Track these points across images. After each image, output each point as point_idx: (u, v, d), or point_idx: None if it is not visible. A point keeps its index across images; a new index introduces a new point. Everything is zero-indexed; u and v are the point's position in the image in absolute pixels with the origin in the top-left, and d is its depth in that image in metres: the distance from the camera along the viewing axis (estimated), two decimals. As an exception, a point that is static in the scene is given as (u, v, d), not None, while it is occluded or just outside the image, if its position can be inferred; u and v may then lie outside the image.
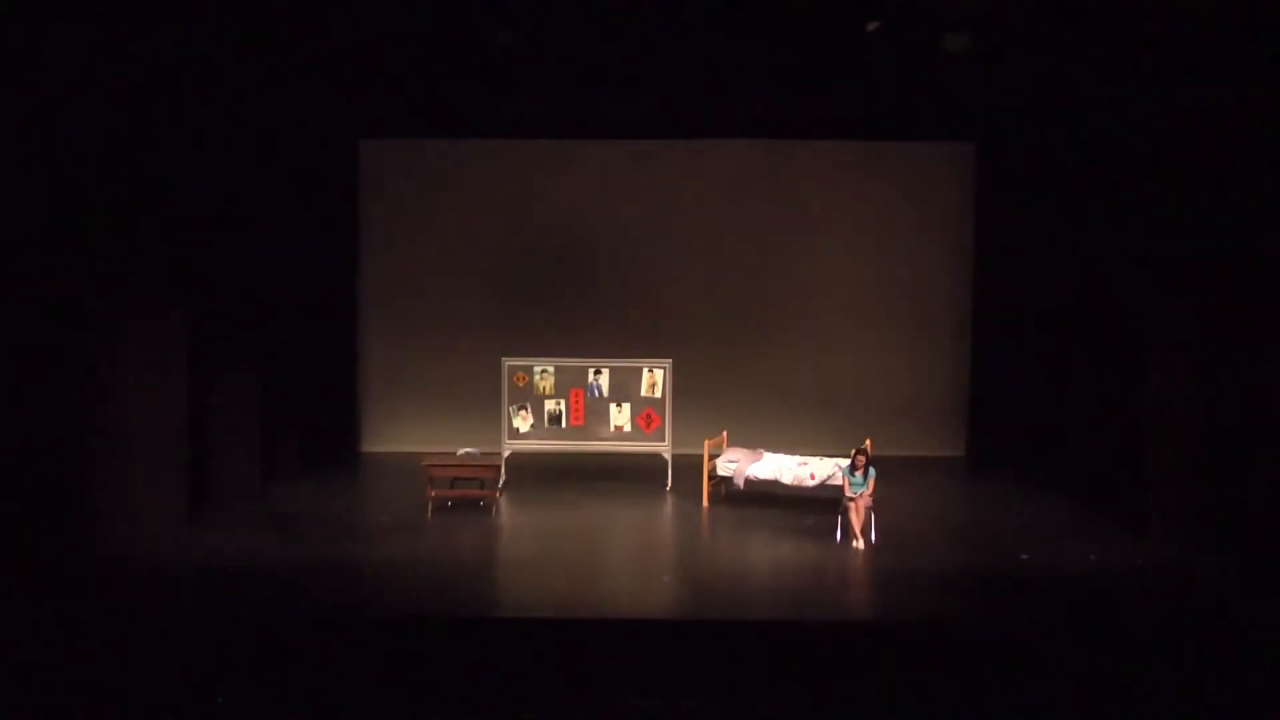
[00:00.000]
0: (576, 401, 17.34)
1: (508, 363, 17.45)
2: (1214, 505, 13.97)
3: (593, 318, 19.90)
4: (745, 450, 16.47)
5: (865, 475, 14.07)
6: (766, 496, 16.08)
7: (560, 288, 20.10)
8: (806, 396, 19.81)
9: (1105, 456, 16.45)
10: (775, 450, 16.39)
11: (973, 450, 19.81)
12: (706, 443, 16.44)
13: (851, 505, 14.03)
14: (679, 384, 17.51)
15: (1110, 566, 13.20)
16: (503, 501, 16.07)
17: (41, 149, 13.41)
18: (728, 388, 19.67)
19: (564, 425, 17.38)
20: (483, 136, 19.20)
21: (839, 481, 14.67)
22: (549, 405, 17.39)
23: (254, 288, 16.38)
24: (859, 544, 13.87)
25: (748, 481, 15.93)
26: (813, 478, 15.40)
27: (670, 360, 17.41)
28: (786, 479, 15.64)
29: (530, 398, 17.37)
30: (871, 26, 11.99)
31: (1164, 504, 14.24)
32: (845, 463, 14.49)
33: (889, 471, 15.48)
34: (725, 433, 17.19)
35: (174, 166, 14.36)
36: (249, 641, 10.89)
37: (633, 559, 13.89)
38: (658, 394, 17.29)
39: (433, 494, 15.37)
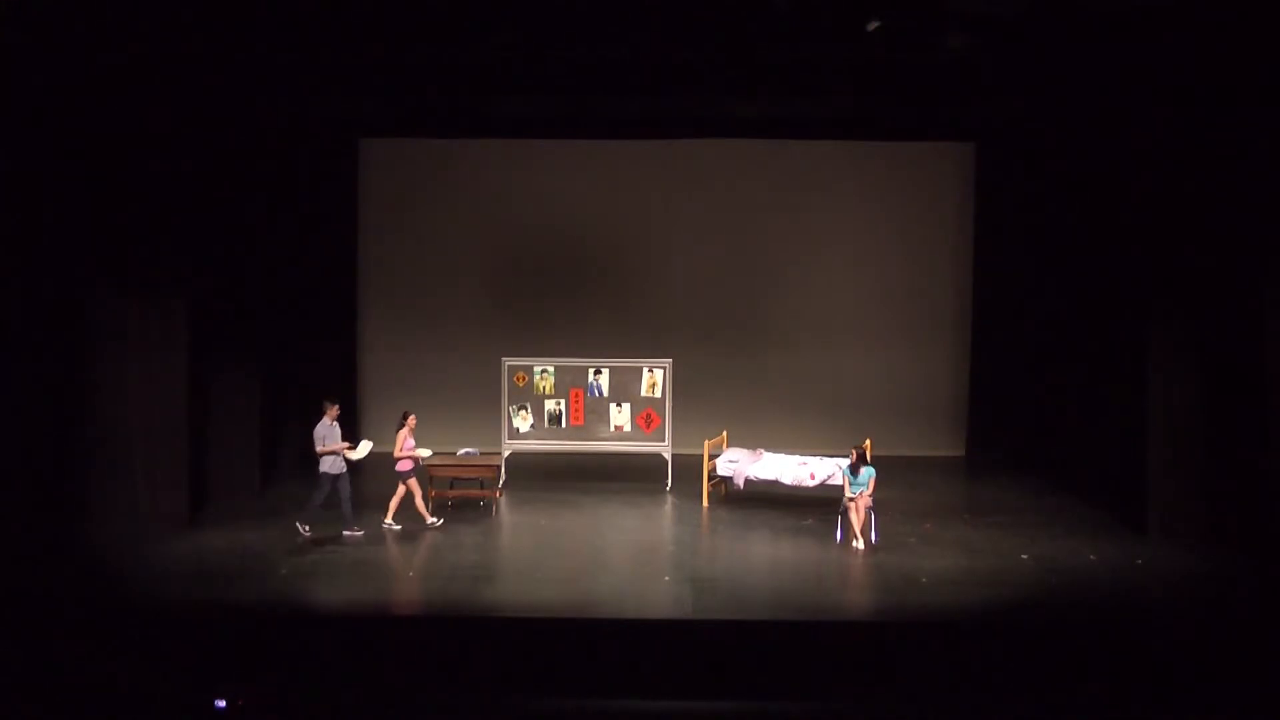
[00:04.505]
0: (576, 401, 17.33)
1: (508, 363, 17.44)
2: (1214, 505, 13.98)
3: (593, 318, 19.88)
4: (745, 450, 16.45)
5: (865, 475, 14.06)
6: (766, 496, 16.07)
7: (560, 287, 20.07)
8: (806, 396, 19.79)
9: (1105, 456, 16.45)
10: (775, 450, 16.38)
11: (973, 450, 19.81)
12: (706, 443, 16.43)
13: (851, 505, 14.02)
14: (679, 384, 17.51)
15: (1110, 566, 13.20)
16: (503, 501, 16.07)
17: (43, 148, 13.43)
18: (728, 388, 19.66)
19: (564, 425, 17.37)
20: (482, 136, 19.17)
21: (839, 481, 14.67)
22: (549, 405, 17.38)
23: (254, 287, 16.38)
24: (859, 544, 13.86)
25: (748, 481, 15.93)
26: (813, 478, 15.40)
27: (670, 360, 17.41)
28: (786, 479, 15.64)
29: (530, 398, 17.36)
30: (871, 26, 11.97)
31: (1164, 504, 14.24)
32: (845, 463, 14.48)
33: (889, 471, 15.48)
34: (725, 433, 17.18)
35: (174, 166, 14.36)
36: (249, 641, 10.89)
37: (633, 559, 13.87)
38: (658, 394, 17.28)
39: (433, 494, 15.37)
